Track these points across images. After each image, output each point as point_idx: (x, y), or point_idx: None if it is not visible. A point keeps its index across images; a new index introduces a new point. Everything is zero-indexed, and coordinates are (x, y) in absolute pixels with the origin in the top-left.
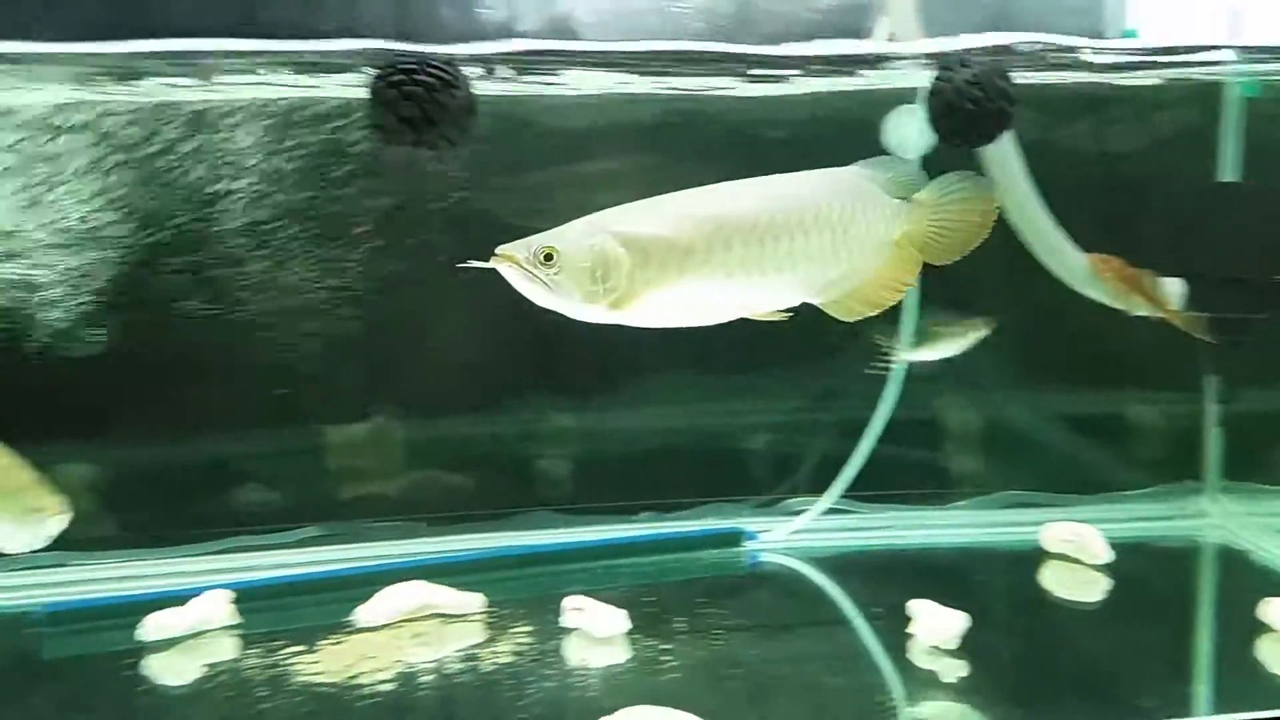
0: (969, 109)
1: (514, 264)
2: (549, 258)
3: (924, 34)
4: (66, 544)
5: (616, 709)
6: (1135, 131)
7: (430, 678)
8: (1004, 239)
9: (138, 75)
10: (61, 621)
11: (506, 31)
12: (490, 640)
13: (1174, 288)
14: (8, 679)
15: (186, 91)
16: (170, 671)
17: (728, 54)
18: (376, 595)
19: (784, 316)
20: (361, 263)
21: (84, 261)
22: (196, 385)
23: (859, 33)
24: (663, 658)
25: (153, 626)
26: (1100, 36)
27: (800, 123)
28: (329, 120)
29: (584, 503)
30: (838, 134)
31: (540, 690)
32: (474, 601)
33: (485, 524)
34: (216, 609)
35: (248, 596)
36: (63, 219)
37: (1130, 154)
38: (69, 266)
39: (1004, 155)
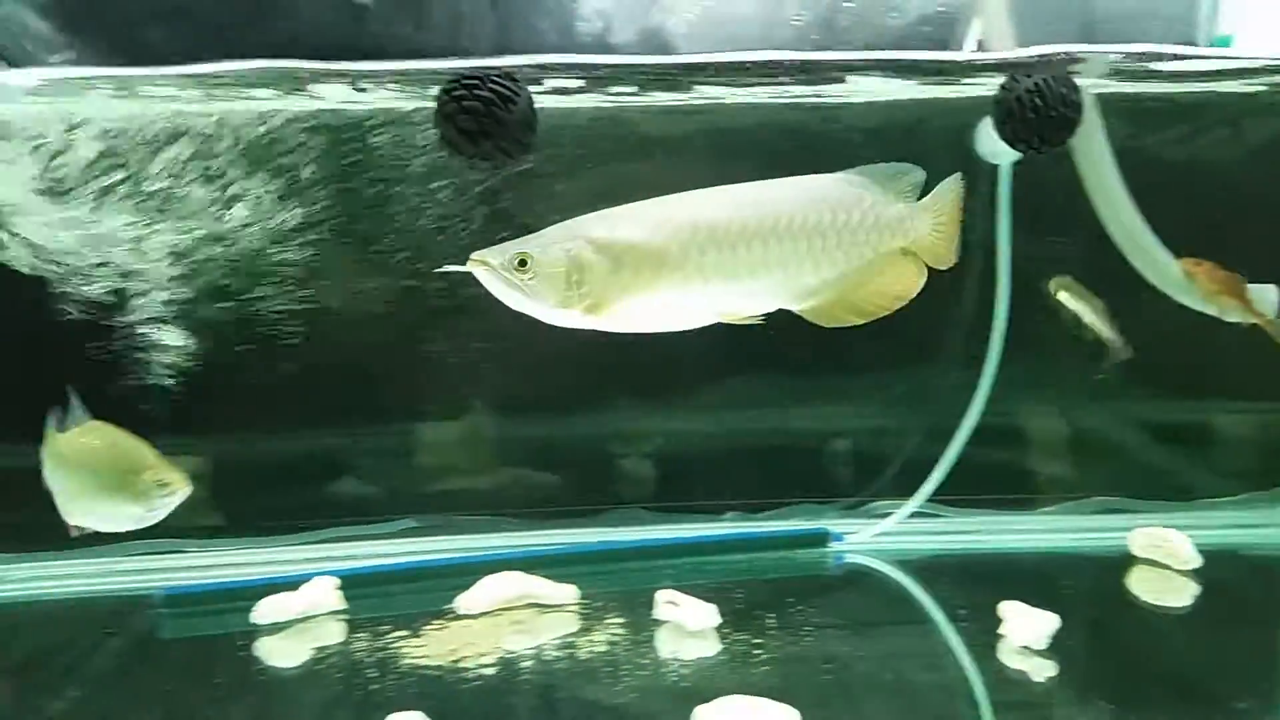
0: (1030, 116)
1: (489, 269)
2: (523, 263)
3: (1017, 43)
4: (182, 531)
5: (711, 698)
6: (1231, 138)
7: (530, 663)
8: (1100, 250)
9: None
10: (178, 604)
11: (604, 45)
12: (585, 630)
13: (1267, 294)
14: (130, 657)
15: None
16: (282, 653)
17: (815, 62)
18: (477, 584)
19: (759, 321)
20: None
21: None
22: (315, 383)
23: (948, 43)
24: (754, 651)
25: (265, 610)
26: (1192, 44)
27: (888, 128)
28: None
29: (670, 501)
30: (928, 140)
31: (635, 678)
32: (569, 593)
33: (575, 520)
34: (325, 594)
35: (352, 583)
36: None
37: (1225, 161)
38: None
39: (1098, 161)
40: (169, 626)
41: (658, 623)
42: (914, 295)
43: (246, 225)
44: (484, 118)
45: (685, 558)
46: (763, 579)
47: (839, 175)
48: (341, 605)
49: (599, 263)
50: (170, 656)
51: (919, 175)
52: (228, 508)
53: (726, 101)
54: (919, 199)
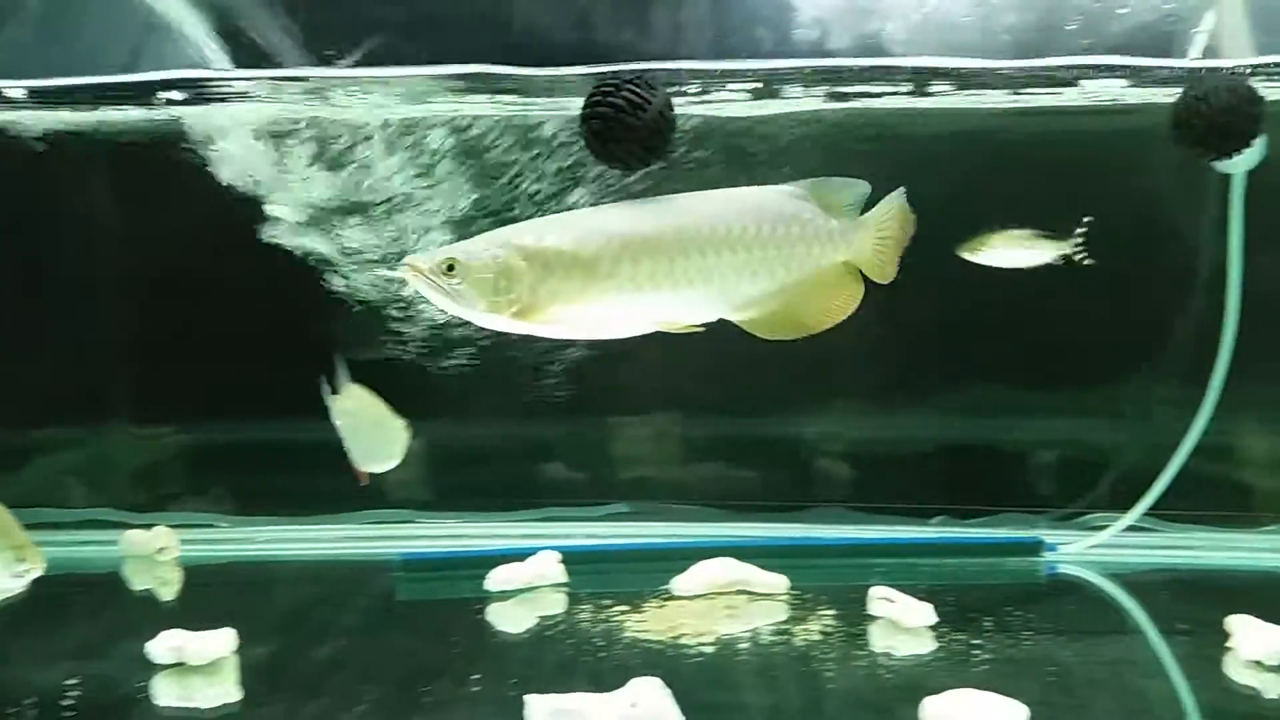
0: (1198, 124)
1: (419, 274)
2: (451, 268)
3: (1254, 50)
4: (417, 504)
5: (932, 692)
6: None
7: (746, 645)
8: None
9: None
10: (413, 569)
11: (822, 52)
12: (797, 619)
13: None
14: (376, 614)
15: None
16: (511, 618)
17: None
18: (692, 568)
19: (699, 329)
20: None
21: None
22: (544, 372)
23: (1169, 49)
24: (972, 651)
25: (497, 578)
26: None
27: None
28: None
29: (880, 502)
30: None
31: (852, 669)
32: (780, 582)
33: (779, 515)
34: (550, 567)
35: (571, 559)
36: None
37: None
38: None
39: None
40: (406, 589)
41: (870, 618)
42: (852, 310)
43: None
44: (613, 122)
45: (895, 558)
46: (974, 583)
47: (780, 187)
48: (564, 579)
49: (526, 269)
50: (411, 615)
51: (863, 189)
52: (453, 484)
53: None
54: (862, 213)
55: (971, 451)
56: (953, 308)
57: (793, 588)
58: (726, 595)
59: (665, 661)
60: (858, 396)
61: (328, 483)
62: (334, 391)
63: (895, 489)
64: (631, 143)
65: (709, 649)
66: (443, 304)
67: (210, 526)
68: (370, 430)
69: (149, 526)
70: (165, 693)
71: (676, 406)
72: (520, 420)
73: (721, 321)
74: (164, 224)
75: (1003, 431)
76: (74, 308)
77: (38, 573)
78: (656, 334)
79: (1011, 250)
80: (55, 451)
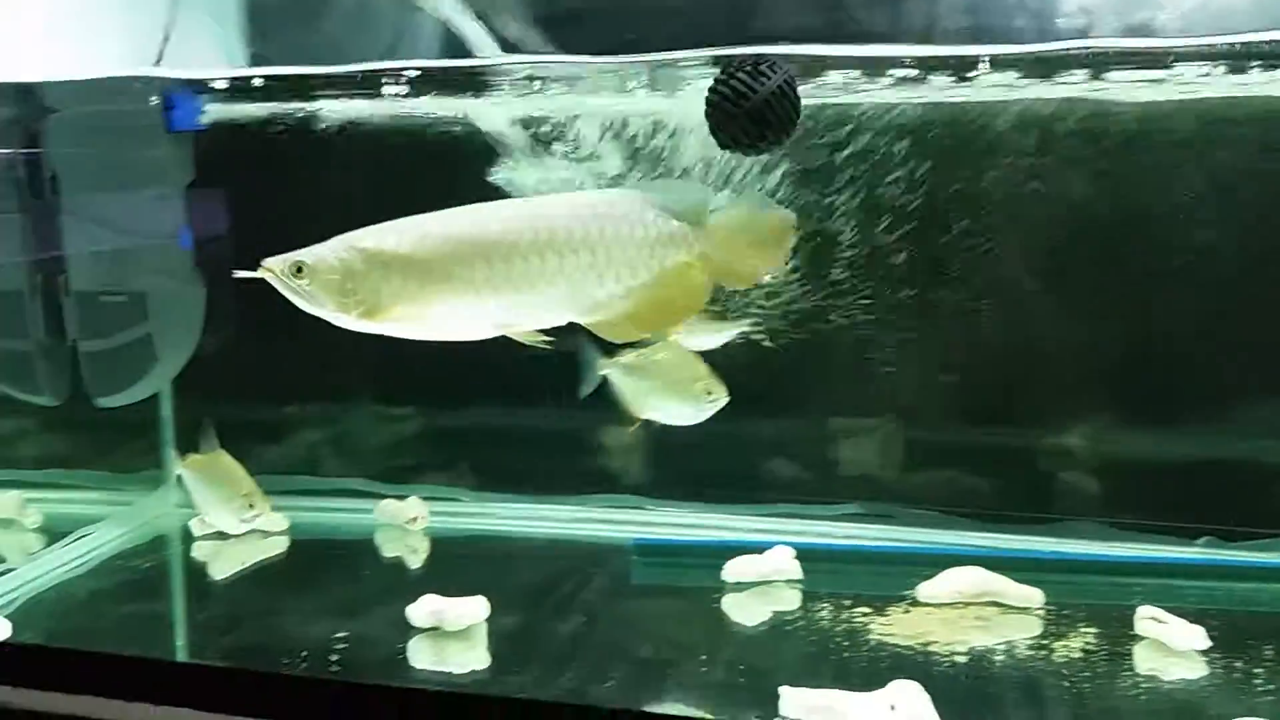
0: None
1: (273, 275)
2: (300, 270)
3: None
4: (656, 492)
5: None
6: None
7: (1001, 658)
8: None
9: None
10: (647, 554)
11: (1083, 33)
12: (1054, 635)
13: None
14: (609, 595)
15: None
16: (747, 610)
17: None
18: (940, 575)
19: (546, 338)
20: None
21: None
22: (785, 370)
23: None
24: (1253, 681)
25: (733, 570)
26: None
27: None
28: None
29: (1139, 519)
30: None
31: (1119, 690)
32: (1034, 596)
33: (1030, 527)
34: (786, 562)
35: (805, 557)
36: None
37: None
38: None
39: None
40: (640, 573)
41: (1134, 638)
42: (696, 312)
43: None
44: (716, 110)
45: (1157, 577)
46: (1246, 609)
47: (625, 190)
48: (799, 575)
49: (368, 271)
50: (648, 599)
51: (704, 193)
52: (684, 473)
53: None
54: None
55: (1240, 468)
56: (1223, 316)
57: (1048, 602)
58: (976, 606)
59: (914, 668)
60: (1114, 406)
61: (562, 465)
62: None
63: (1155, 505)
64: (731, 130)
65: (961, 659)
66: (297, 303)
67: (454, 500)
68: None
69: (401, 497)
70: (421, 655)
71: (917, 409)
72: (755, 414)
73: (971, 325)
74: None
75: (1275, 448)
76: None
77: (263, 517)
78: (900, 336)
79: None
80: (308, 426)
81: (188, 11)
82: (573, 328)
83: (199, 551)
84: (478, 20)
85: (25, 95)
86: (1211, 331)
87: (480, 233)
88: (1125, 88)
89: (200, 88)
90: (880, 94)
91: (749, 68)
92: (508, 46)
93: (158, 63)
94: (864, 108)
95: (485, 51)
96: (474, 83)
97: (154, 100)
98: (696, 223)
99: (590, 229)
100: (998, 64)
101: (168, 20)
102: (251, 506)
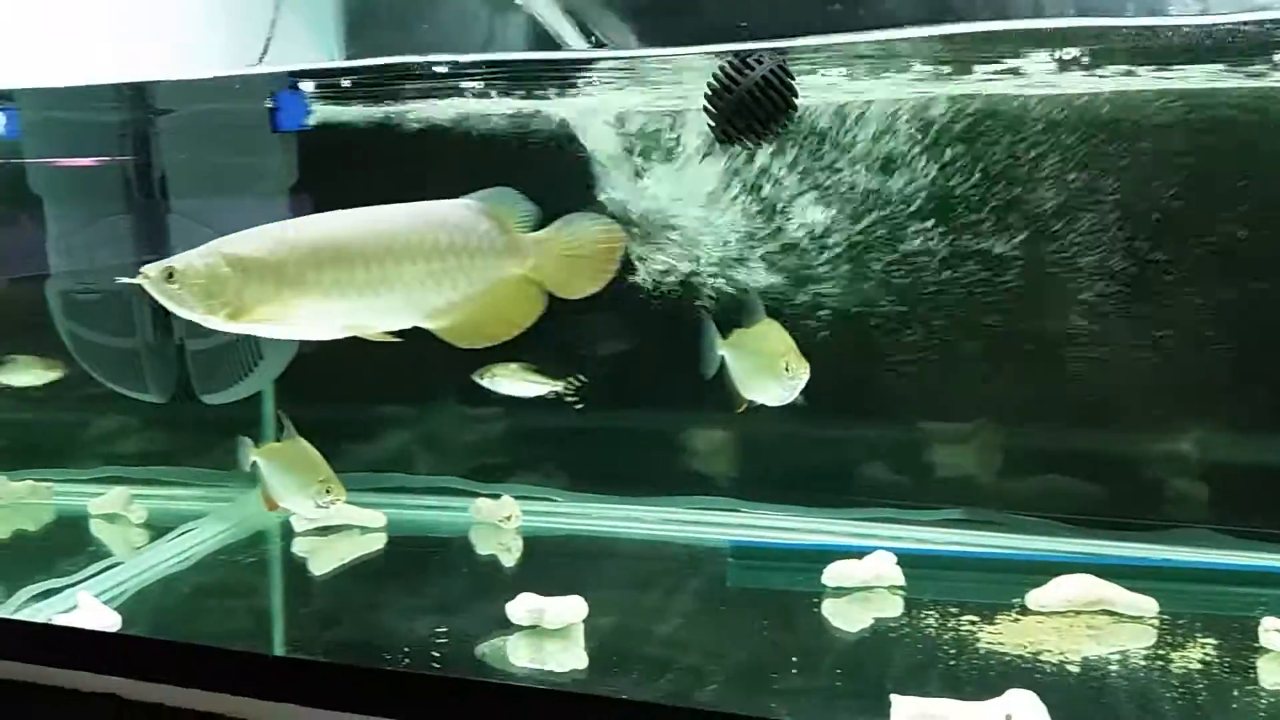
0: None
1: (148, 280)
2: (170, 276)
3: None
4: (750, 494)
5: None
6: None
7: (1116, 669)
8: None
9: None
10: (743, 557)
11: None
12: (1172, 646)
13: None
14: (706, 597)
15: None
16: (847, 616)
17: None
18: (1050, 582)
19: (394, 339)
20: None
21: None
22: (890, 375)
23: None
24: None
25: (833, 574)
26: None
27: None
28: None
29: (1256, 526)
30: None
31: (1245, 704)
32: (1149, 605)
33: (1139, 534)
34: (888, 568)
35: (905, 563)
36: None
37: None
38: None
39: None
40: (736, 576)
41: (1258, 650)
42: (530, 322)
43: None
44: (708, 106)
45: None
46: None
47: (463, 200)
48: (900, 581)
49: (230, 275)
50: (746, 602)
51: (528, 206)
52: (778, 476)
53: None
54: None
55: None
56: None
57: (1162, 611)
58: (1087, 614)
59: (1026, 678)
60: (1229, 413)
61: (654, 466)
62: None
63: (1274, 513)
64: (725, 123)
65: (1074, 669)
66: (169, 307)
67: (547, 500)
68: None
69: (495, 496)
70: (520, 652)
71: (1020, 414)
72: (852, 418)
73: (1076, 334)
74: None
75: None
76: None
77: (340, 503)
78: (1002, 341)
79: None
80: (403, 426)
81: (288, 13)
82: None
83: (299, 547)
84: (569, 15)
85: (135, 96)
86: None
87: (329, 240)
88: None
89: (303, 88)
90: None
91: (735, 61)
92: (599, 42)
93: (259, 62)
94: None
95: (575, 46)
96: (565, 79)
97: (261, 100)
98: (527, 234)
99: (426, 238)
100: None
101: (271, 20)
102: (328, 492)
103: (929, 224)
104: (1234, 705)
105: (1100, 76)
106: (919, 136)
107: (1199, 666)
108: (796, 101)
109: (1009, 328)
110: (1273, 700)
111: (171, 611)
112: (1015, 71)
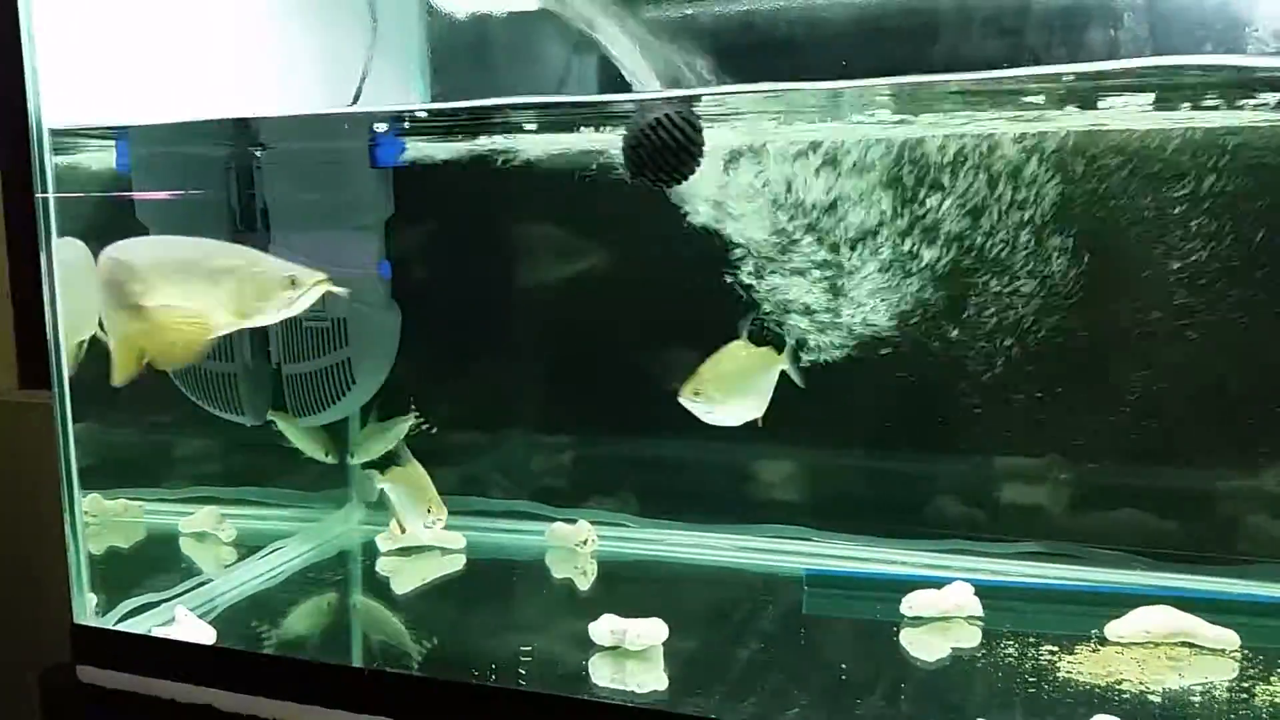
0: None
1: None
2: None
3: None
4: (816, 522)
5: None
6: None
7: (1198, 700)
8: None
9: None
10: (818, 585)
11: None
12: (1254, 678)
13: None
14: (783, 623)
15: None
16: (926, 646)
17: None
18: (1129, 614)
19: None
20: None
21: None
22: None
23: None
24: None
25: (913, 604)
26: None
27: None
28: None
29: None
30: None
31: None
32: (1230, 638)
33: (1215, 568)
34: (966, 598)
35: (981, 594)
36: None
37: None
38: None
39: None
40: (811, 603)
41: None
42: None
43: None
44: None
45: None
46: None
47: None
48: (979, 612)
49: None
50: (822, 629)
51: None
52: (850, 505)
53: None
54: None
55: None
56: None
57: (1244, 644)
58: (1167, 646)
59: (1109, 708)
60: None
61: (727, 494)
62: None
63: None
64: (629, 164)
65: (1156, 699)
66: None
67: (620, 525)
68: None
69: (571, 521)
70: (603, 672)
71: (1091, 447)
72: (922, 448)
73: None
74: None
75: None
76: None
77: (442, 524)
78: (1081, 371)
79: None
80: (482, 450)
81: (380, 53)
82: None
83: (383, 566)
84: (646, 56)
85: (240, 131)
86: None
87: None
88: None
89: (399, 127)
90: None
91: (639, 107)
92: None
93: (354, 102)
94: None
95: (648, 86)
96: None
97: (361, 138)
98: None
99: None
100: None
101: (365, 61)
102: (430, 511)
103: (1007, 253)
104: None
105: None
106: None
107: None
108: (700, 145)
109: (1083, 359)
110: None
111: (262, 626)
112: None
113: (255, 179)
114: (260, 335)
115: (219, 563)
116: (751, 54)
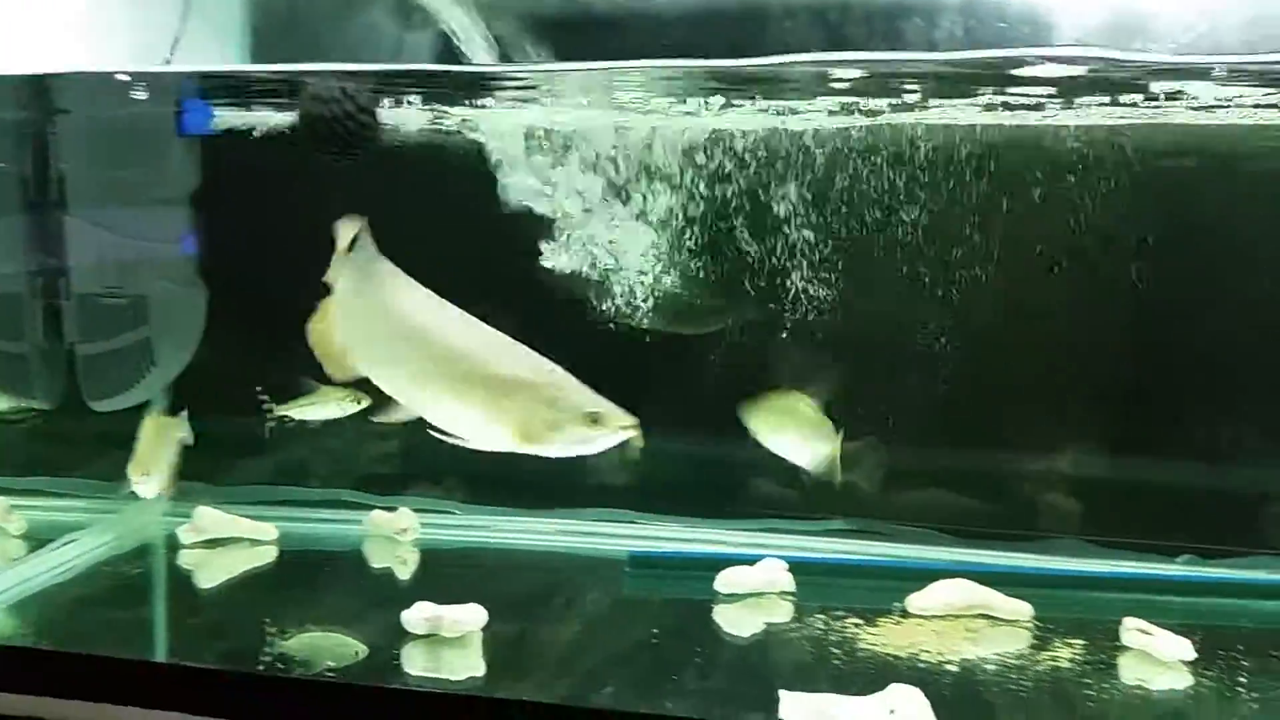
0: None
1: None
2: None
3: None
4: (642, 505)
5: None
6: None
7: (993, 668)
8: None
9: None
10: (641, 566)
11: None
12: (1044, 646)
13: None
14: (603, 605)
15: None
16: (740, 622)
17: None
18: (929, 587)
19: None
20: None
21: None
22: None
23: None
24: (1236, 690)
25: (726, 580)
26: None
27: None
28: None
29: (1119, 537)
30: None
31: (1109, 698)
32: (1024, 609)
33: (1015, 544)
34: (779, 574)
35: (797, 570)
36: None
37: None
38: None
39: None
40: (633, 584)
41: (1121, 649)
42: None
43: None
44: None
45: (1142, 593)
46: (1229, 624)
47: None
48: (791, 587)
49: None
50: (641, 609)
51: None
52: (673, 488)
53: None
54: None
55: (1220, 490)
56: (1203, 342)
57: (1036, 615)
58: (966, 618)
59: (907, 677)
60: (1099, 429)
61: (553, 479)
62: None
63: (1136, 525)
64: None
65: (953, 668)
66: None
67: (445, 513)
68: None
69: (391, 509)
70: (416, 661)
71: (900, 430)
72: (740, 431)
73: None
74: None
75: (1257, 470)
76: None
77: (154, 491)
78: (880, 358)
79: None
80: (297, 436)
81: (194, 16)
82: None
83: (186, 560)
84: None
85: (32, 91)
86: (1192, 357)
87: None
88: None
89: (209, 92)
90: None
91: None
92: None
93: (168, 62)
94: None
95: (484, 58)
96: (475, 90)
97: (163, 103)
98: None
99: None
100: None
101: (179, 22)
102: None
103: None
104: (1101, 699)
105: None
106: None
107: (1069, 665)
108: (371, 123)
109: (914, 344)
110: (1137, 694)
111: (51, 623)
112: None
113: (49, 146)
114: (51, 312)
115: (5, 557)
116: (577, 31)
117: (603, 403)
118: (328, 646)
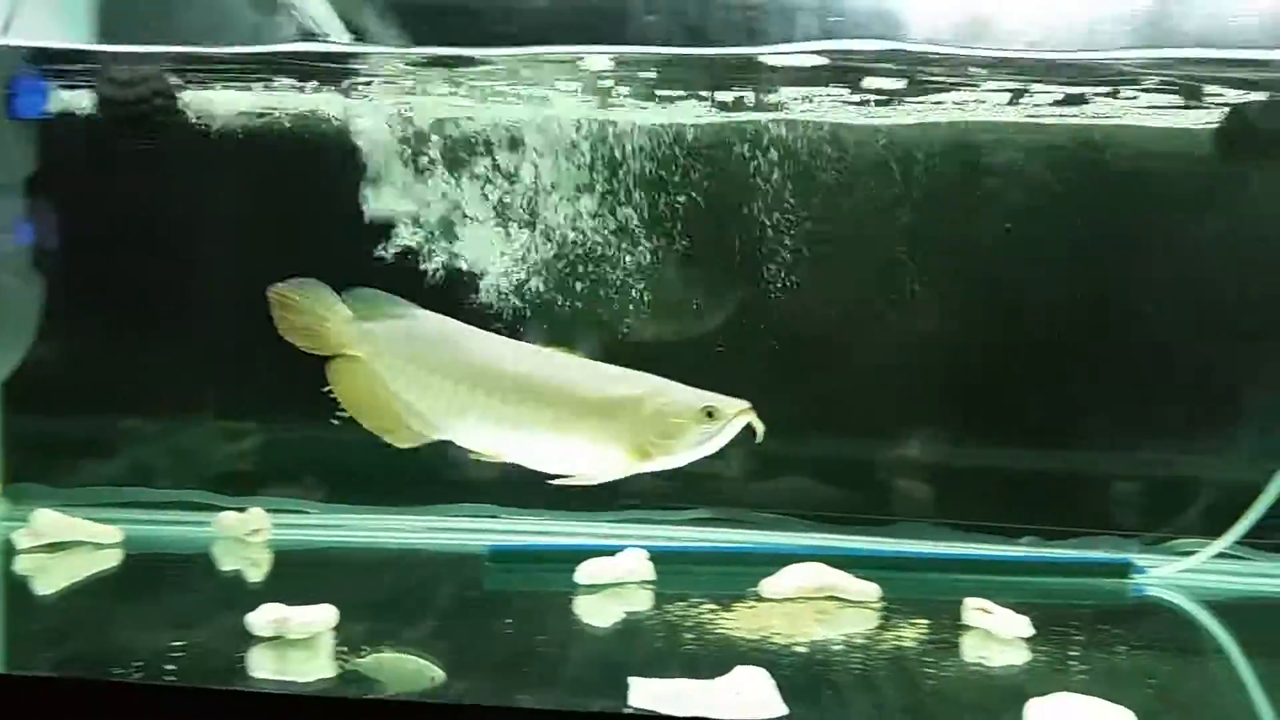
0: None
1: None
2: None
3: None
4: (505, 500)
5: (1033, 695)
6: None
7: (840, 648)
8: None
9: None
10: (501, 560)
11: None
12: (890, 626)
13: None
14: (462, 601)
15: None
16: (599, 612)
17: None
18: (781, 571)
19: None
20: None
21: None
22: None
23: None
24: (1069, 663)
25: (586, 572)
26: None
27: None
28: None
29: (964, 519)
30: None
31: (950, 674)
32: (871, 590)
33: (867, 528)
34: (639, 564)
35: (658, 559)
36: None
37: None
38: None
39: None
40: (493, 579)
41: (963, 628)
42: None
43: None
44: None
45: (984, 574)
46: (1064, 602)
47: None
48: (651, 576)
49: None
50: (500, 604)
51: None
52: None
53: None
54: None
55: (1060, 473)
56: (1049, 329)
57: (884, 596)
58: (816, 600)
59: (758, 659)
60: (946, 415)
61: (414, 476)
62: None
63: (982, 508)
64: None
65: (802, 649)
66: None
67: (301, 513)
68: None
69: (241, 509)
70: (262, 664)
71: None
72: None
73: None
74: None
75: (1094, 454)
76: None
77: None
78: (747, 348)
79: None
80: (146, 437)
81: None
82: None
83: (23, 565)
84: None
85: None
86: (1036, 346)
87: None
88: None
89: (46, 74)
90: None
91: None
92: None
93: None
94: None
95: (337, 39)
96: (334, 73)
97: None
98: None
99: None
100: None
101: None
102: None
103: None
104: (942, 676)
105: None
106: None
107: (913, 644)
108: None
109: (759, 337)
110: (974, 669)
111: None
112: None
113: None
114: None
115: None
116: (435, 18)
117: (709, 395)
118: (169, 650)
